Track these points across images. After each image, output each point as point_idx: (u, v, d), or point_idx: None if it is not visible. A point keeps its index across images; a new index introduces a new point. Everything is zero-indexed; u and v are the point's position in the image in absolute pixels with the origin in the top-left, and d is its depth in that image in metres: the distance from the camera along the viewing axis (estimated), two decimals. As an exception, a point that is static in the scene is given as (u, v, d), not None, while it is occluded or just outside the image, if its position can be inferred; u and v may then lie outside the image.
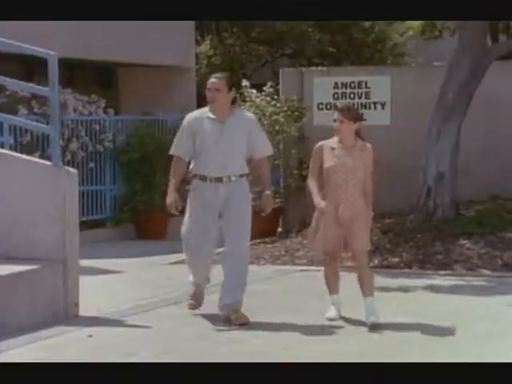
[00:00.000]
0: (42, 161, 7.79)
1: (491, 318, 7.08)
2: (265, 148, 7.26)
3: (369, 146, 6.98)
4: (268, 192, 7.15)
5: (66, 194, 7.22)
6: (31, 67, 13.09)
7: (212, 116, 7.06)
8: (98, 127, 12.92)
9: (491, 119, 12.21)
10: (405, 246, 10.06)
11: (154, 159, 12.91)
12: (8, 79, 7.84)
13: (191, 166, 7.14)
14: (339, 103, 7.31)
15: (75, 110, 12.70)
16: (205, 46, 19.44)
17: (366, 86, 12.52)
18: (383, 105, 12.50)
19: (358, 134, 6.96)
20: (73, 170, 7.45)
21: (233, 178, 7.03)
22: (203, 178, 7.03)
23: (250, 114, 7.56)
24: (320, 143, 7.03)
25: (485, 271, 9.33)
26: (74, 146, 12.36)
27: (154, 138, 13.18)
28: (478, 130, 11.93)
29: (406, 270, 9.47)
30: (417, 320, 6.96)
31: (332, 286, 7.08)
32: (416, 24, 15.92)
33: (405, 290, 8.39)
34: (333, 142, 6.96)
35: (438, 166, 10.74)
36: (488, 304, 7.73)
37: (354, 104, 12.06)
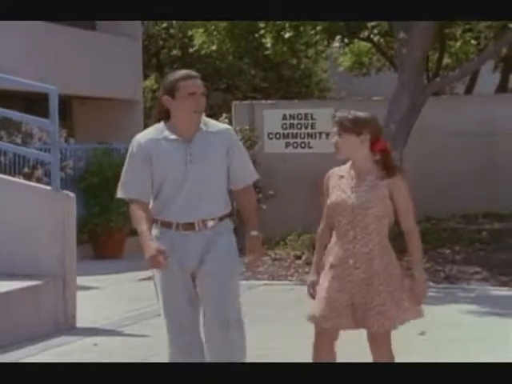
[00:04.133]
0: (43, 186, 7.93)
1: (452, 324, 7.44)
2: (249, 172, 4.75)
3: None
4: (254, 233, 4.66)
5: (64, 216, 7.36)
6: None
7: (172, 136, 4.56)
8: (59, 155, 12.95)
9: (425, 147, 12.72)
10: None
11: (111, 184, 13.00)
12: (11, 112, 7.97)
13: (151, 206, 4.66)
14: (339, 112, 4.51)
15: (40, 139, 12.74)
16: (150, 81, 19.63)
17: (311, 118, 12.90)
18: (328, 134, 12.88)
19: (382, 157, 4.50)
20: (71, 194, 7.58)
21: (209, 224, 4.58)
22: (167, 225, 4.61)
23: (224, 125, 4.83)
24: (330, 171, 4.61)
25: (430, 283, 9.71)
26: (38, 172, 12.39)
27: (111, 165, 13.29)
28: (413, 157, 12.41)
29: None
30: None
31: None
32: (346, 62, 16.45)
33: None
34: (345, 167, 4.54)
35: (382, 190, 11.14)
36: (443, 312, 8.03)
37: (300, 134, 12.48)
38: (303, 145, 12.88)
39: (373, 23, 14.04)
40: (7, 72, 11.43)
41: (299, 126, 12.85)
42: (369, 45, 15.41)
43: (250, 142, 12.61)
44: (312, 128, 12.87)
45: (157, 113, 4.69)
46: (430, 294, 9.05)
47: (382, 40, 14.81)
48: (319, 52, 15.84)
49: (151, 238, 4.49)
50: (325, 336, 4.46)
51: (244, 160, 4.77)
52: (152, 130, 4.66)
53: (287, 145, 12.76)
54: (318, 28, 13.06)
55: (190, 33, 13.61)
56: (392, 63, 14.66)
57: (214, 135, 4.64)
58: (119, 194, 4.67)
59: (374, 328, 4.39)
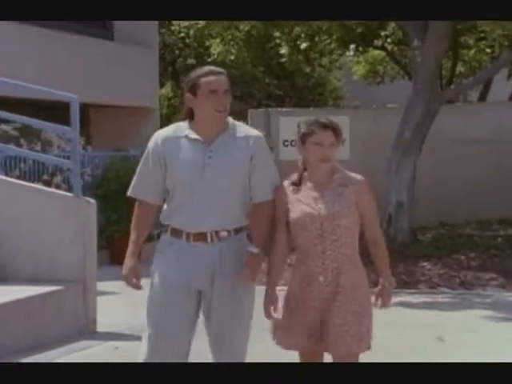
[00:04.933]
0: (65, 192, 7.96)
1: (469, 329, 7.42)
2: (267, 188, 4.18)
3: (360, 177, 4.14)
4: (254, 250, 4.05)
5: (86, 221, 7.38)
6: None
7: (194, 135, 4.15)
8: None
9: (438, 154, 12.71)
10: (370, 267, 10.32)
11: (128, 191, 13.03)
12: (33, 119, 8.02)
13: (162, 211, 4.28)
14: (325, 119, 4.11)
15: (59, 146, 12.80)
16: (166, 89, 19.70)
17: (326, 125, 12.87)
18: (342, 141, 12.84)
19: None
20: (92, 200, 7.61)
21: (223, 234, 4.13)
22: (176, 233, 4.15)
23: (253, 131, 4.28)
24: (282, 185, 4.16)
25: (445, 289, 9.69)
26: (57, 179, 12.43)
27: (128, 172, 13.31)
28: (428, 164, 12.39)
29: (374, 289, 9.73)
30: (402, 332, 7.22)
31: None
32: (360, 71, 16.45)
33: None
34: (294, 179, 4.15)
35: (397, 196, 11.15)
36: (460, 318, 8.03)
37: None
38: (318, 152, 12.86)
39: (387, 32, 14.05)
40: (23, 81, 11.58)
41: (314, 134, 12.84)
42: (383, 53, 15.41)
43: (266, 149, 12.64)
44: (327, 135, 12.87)
45: (183, 111, 4.31)
46: (446, 299, 9.16)
47: (395, 48, 14.81)
48: (333, 61, 15.85)
49: (131, 254, 4.16)
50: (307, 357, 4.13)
51: (266, 173, 4.19)
52: (174, 127, 4.28)
53: (302, 152, 12.74)
54: (333, 37, 13.08)
55: (206, 43, 13.63)
56: (406, 71, 14.66)
57: (241, 140, 4.16)
58: (129, 191, 4.35)
59: (333, 352, 4.01)
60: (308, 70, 20.43)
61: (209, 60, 15.14)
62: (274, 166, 4.27)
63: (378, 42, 14.27)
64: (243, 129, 4.25)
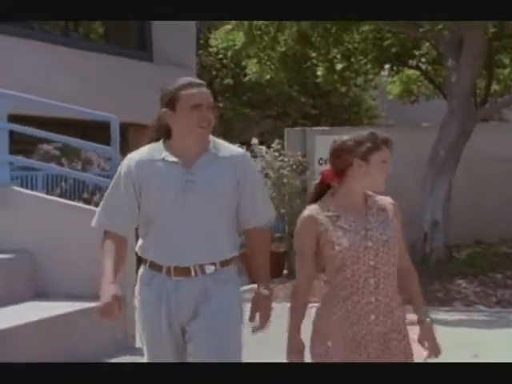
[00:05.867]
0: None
1: (505, 348, 7.30)
2: (261, 211, 3.72)
3: (391, 200, 3.64)
4: (264, 291, 3.65)
5: (124, 238, 7.40)
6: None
7: (172, 158, 3.61)
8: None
9: (473, 173, 12.60)
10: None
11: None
12: (75, 139, 8.11)
13: (138, 243, 3.79)
14: (379, 133, 3.58)
15: (98, 165, 12.92)
16: (202, 109, 19.80)
17: (361, 144, 12.85)
18: (377, 160, 12.82)
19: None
20: (130, 218, 7.63)
21: (209, 269, 3.61)
22: (156, 267, 3.65)
23: (239, 150, 3.75)
24: (308, 213, 3.50)
25: (481, 307, 9.58)
26: (97, 197, 12.52)
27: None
28: (462, 182, 12.29)
29: (409, 306, 9.65)
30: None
31: None
32: (395, 90, 16.41)
33: (415, 323, 8.55)
34: (327, 205, 3.50)
35: (432, 215, 11.08)
36: (496, 336, 7.92)
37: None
38: (354, 170, 12.82)
39: (421, 51, 14.00)
40: (65, 102, 11.72)
41: (350, 153, 12.82)
42: (417, 73, 15.35)
43: (302, 168, 12.61)
44: (363, 154, 12.84)
45: (154, 129, 3.71)
46: (482, 317, 9.04)
47: (430, 68, 14.75)
48: (368, 80, 15.83)
49: (111, 281, 3.50)
50: None
51: (257, 195, 3.70)
52: (147, 149, 3.67)
53: (338, 171, 12.70)
54: (369, 57, 13.08)
55: (243, 63, 13.71)
56: (440, 90, 14.58)
57: (225, 160, 3.63)
58: (92, 222, 3.73)
59: None
60: (343, 89, 20.46)
61: (245, 80, 15.21)
62: (265, 188, 3.82)
63: (413, 62, 14.22)
64: (227, 147, 3.71)
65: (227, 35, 12.92)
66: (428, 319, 3.63)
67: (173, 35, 16.34)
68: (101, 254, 3.66)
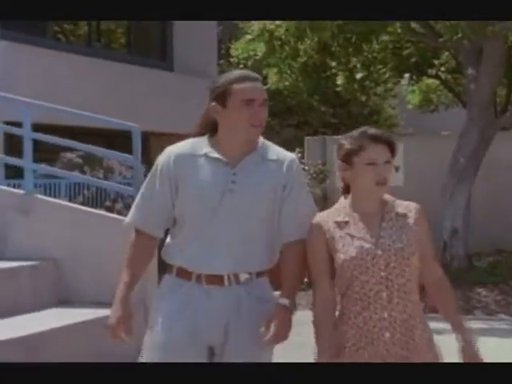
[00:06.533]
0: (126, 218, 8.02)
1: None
2: (300, 225, 3.27)
3: (415, 204, 3.28)
4: (284, 301, 3.23)
5: (146, 246, 7.38)
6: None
7: (215, 154, 3.28)
8: (138, 189, 13.16)
9: (493, 181, 12.51)
10: (426, 292, 10.21)
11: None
12: (97, 148, 8.12)
13: (165, 247, 3.43)
14: (375, 130, 3.20)
15: (120, 173, 12.94)
16: (223, 118, 19.86)
17: (382, 152, 12.81)
18: (397, 168, 12.78)
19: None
20: (152, 225, 7.63)
21: (243, 278, 3.27)
22: (184, 274, 3.28)
23: (288, 153, 3.40)
24: (315, 220, 3.22)
25: (503, 316, 9.49)
26: (119, 205, 12.54)
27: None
28: (482, 190, 12.21)
29: (433, 315, 9.58)
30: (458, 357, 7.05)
31: None
32: (414, 100, 16.33)
33: (438, 332, 8.46)
34: (339, 210, 3.22)
35: (452, 223, 11.01)
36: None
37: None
38: (374, 178, 12.77)
39: (441, 60, 13.94)
40: (87, 111, 11.78)
41: (370, 161, 12.80)
42: (436, 82, 15.28)
43: (322, 176, 12.58)
44: (382, 162, 12.81)
45: (200, 124, 3.40)
46: (503, 326, 8.95)
47: (449, 77, 14.68)
48: (388, 89, 15.77)
49: (124, 298, 3.27)
50: None
51: (303, 206, 3.32)
52: (189, 143, 3.35)
53: (358, 179, 12.65)
54: (388, 66, 13.04)
55: (263, 72, 13.71)
56: (460, 99, 14.51)
57: (272, 163, 3.30)
58: (127, 218, 3.47)
59: None
60: (363, 98, 20.40)
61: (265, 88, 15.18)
62: (311, 198, 3.43)
63: (432, 71, 14.16)
64: (276, 150, 3.37)
65: (248, 45, 12.92)
66: (467, 335, 3.19)
67: (194, 45, 16.37)
68: (127, 255, 3.41)
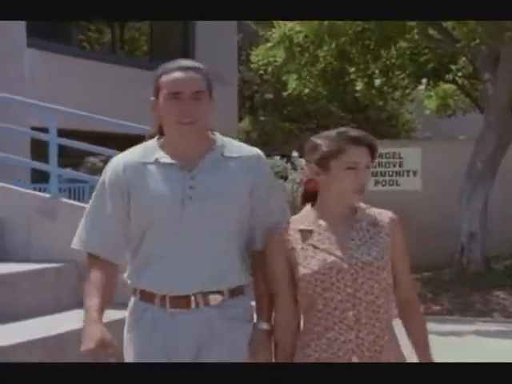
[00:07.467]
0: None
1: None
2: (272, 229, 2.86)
3: (391, 214, 2.85)
4: (263, 326, 2.81)
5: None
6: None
7: (167, 159, 2.81)
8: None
9: (510, 185, 12.41)
10: (444, 295, 10.16)
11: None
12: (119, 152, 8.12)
13: (126, 270, 2.95)
14: (355, 131, 2.81)
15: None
16: (243, 123, 19.86)
17: (399, 157, 12.75)
18: (415, 172, 12.71)
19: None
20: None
21: (214, 298, 2.79)
22: (148, 297, 2.85)
23: (251, 148, 2.91)
24: (277, 228, 2.82)
25: (521, 320, 9.40)
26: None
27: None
28: (499, 195, 12.11)
29: (449, 317, 9.53)
30: (477, 360, 6.96)
31: None
32: (431, 105, 16.27)
33: (457, 334, 8.41)
34: (303, 218, 2.81)
35: (469, 226, 10.92)
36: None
37: (388, 172, 12.36)
38: (391, 182, 12.75)
39: (458, 66, 13.87)
40: (109, 116, 11.83)
41: (387, 165, 12.72)
42: (454, 87, 15.21)
43: (341, 180, 12.56)
44: (400, 166, 12.73)
45: (156, 124, 2.90)
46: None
47: (466, 82, 14.60)
48: (406, 95, 15.72)
49: (96, 320, 2.69)
50: None
51: (274, 207, 2.86)
52: (139, 149, 2.86)
53: (376, 183, 12.63)
54: (406, 72, 13.01)
55: (283, 78, 13.72)
56: (477, 104, 14.42)
57: (234, 162, 2.81)
58: (73, 243, 2.92)
59: None
60: (381, 103, 20.36)
61: (285, 94, 15.22)
62: (284, 197, 2.98)
63: (449, 76, 14.09)
64: (237, 146, 2.87)
65: (268, 52, 12.92)
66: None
67: (215, 51, 16.39)
68: (85, 287, 2.84)
